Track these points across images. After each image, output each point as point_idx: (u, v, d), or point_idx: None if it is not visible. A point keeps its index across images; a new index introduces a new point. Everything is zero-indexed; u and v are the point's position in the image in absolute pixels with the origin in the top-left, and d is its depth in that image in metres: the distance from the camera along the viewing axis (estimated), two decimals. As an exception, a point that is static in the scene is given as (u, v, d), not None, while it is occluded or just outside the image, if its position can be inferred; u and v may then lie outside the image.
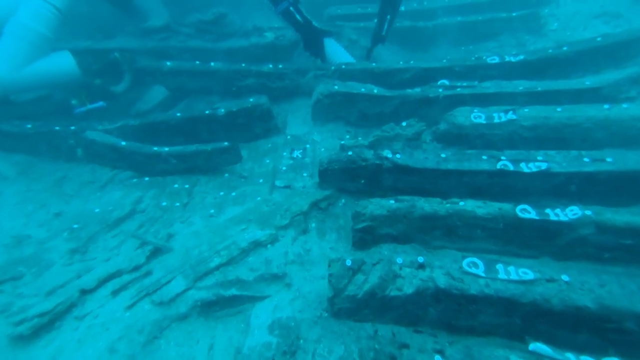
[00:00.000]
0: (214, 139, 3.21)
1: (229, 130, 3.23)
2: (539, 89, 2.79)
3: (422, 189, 2.33)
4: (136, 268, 1.96)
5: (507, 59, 3.20)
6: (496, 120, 2.59)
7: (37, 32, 2.93)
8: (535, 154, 2.22)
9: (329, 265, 1.70)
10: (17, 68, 2.86)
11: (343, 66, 3.46)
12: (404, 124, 2.90)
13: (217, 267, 1.89)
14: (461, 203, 1.97)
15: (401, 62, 3.43)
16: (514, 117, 2.56)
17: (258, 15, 4.27)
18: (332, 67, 3.47)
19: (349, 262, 1.68)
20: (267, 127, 3.27)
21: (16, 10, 3.10)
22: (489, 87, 2.91)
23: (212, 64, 3.53)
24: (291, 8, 3.40)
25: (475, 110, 2.70)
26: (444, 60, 3.36)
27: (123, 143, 2.67)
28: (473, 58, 3.34)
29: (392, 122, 3.09)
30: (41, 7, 2.96)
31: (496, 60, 3.22)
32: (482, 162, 2.23)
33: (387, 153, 2.34)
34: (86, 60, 3.30)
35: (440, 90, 3.01)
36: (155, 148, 2.73)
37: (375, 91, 3.08)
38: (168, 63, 3.41)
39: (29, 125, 2.94)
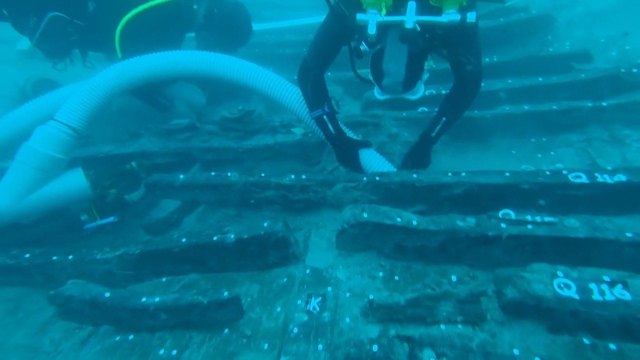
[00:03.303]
0: (223, 266, 2.79)
1: (240, 258, 2.74)
2: (660, 238, 1.91)
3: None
4: None
5: (599, 178, 2.36)
6: (597, 297, 1.76)
7: (48, 157, 2.78)
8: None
9: None
10: (20, 197, 2.70)
11: (377, 178, 2.87)
12: (454, 278, 2.17)
13: None
14: None
15: (450, 174, 2.74)
16: (627, 295, 1.71)
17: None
18: (365, 179, 2.90)
19: None
20: (283, 256, 2.73)
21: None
22: (578, 228, 2.08)
23: (229, 174, 3.15)
24: (325, 117, 2.97)
25: (559, 273, 1.89)
26: (507, 174, 2.61)
27: (107, 294, 2.28)
28: (547, 172, 2.55)
29: (437, 257, 2.43)
30: (55, 129, 2.84)
31: (583, 179, 2.39)
32: (580, 395, 1.42)
33: (429, 357, 1.62)
34: (99, 175, 3.10)
35: (504, 225, 2.25)
36: (144, 299, 2.30)
37: (415, 223, 2.40)
38: (181, 176, 3.10)
39: (27, 256, 2.72)
